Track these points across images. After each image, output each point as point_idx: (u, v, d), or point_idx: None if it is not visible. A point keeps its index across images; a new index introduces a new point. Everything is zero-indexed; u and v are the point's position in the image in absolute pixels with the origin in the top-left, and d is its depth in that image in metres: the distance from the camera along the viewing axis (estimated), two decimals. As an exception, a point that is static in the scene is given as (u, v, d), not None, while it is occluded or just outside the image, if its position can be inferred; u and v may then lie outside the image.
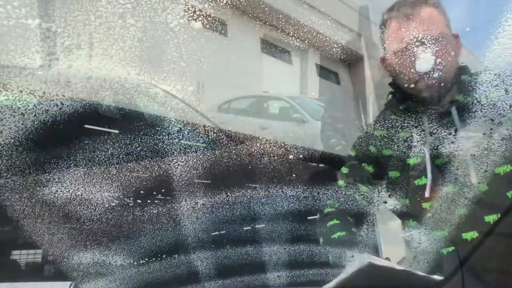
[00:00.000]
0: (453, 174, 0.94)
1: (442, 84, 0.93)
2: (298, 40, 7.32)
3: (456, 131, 0.92)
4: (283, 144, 5.95)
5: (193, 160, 5.32)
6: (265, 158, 5.74)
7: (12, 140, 3.47)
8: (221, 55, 5.65)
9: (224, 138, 5.29)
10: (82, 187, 4.35)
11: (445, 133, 0.94)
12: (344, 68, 8.50)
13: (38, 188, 4.07)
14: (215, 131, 4.96)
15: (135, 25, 3.32)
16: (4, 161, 3.58)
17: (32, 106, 3.23)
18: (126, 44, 3.32)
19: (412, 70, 0.94)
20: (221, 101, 5.19)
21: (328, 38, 7.56)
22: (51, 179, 4.07)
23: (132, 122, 4.22)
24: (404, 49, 0.93)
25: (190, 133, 4.63)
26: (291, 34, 7.20)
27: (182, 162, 5.11)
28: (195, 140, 5.08)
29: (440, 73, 0.91)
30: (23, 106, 3.14)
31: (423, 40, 0.86)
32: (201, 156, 5.43)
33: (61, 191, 4.28)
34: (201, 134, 4.94)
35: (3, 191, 3.80)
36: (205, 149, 5.58)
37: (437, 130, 0.96)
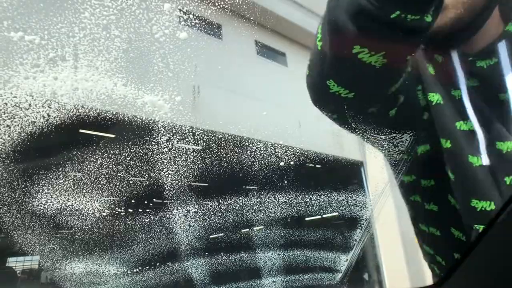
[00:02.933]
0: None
1: (469, 10, 0.61)
2: (293, 42, 7.27)
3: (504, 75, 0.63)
4: (277, 146, 5.90)
5: (188, 165, 5.27)
6: (260, 161, 5.71)
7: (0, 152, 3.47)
8: (216, 58, 5.60)
9: (219, 141, 5.27)
10: (72, 196, 4.34)
11: (488, 82, 0.64)
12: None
13: (31, 198, 4.07)
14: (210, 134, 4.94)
15: (120, 37, 3.28)
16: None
17: (18, 118, 3.22)
18: (112, 55, 3.27)
19: None
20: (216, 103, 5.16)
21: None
22: (40, 190, 4.07)
23: (120, 131, 4.20)
24: None
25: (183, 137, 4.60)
26: (287, 36, 7.14)
27: (177, 167, 5.08)
28: (190, 144, 5.05)
29: None
30: (9, 119, 3.14)
31: None
32: (196, 160, 5.40)
33: (53, 200, 4.27)
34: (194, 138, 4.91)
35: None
36: (200, 153, 5.55)
37: (476, 78, 0.66)
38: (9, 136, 3.20)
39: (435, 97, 0.70)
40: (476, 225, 0.65)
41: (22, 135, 3.26)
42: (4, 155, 3.38)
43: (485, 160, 0.64)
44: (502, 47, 0.64)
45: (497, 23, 0.67)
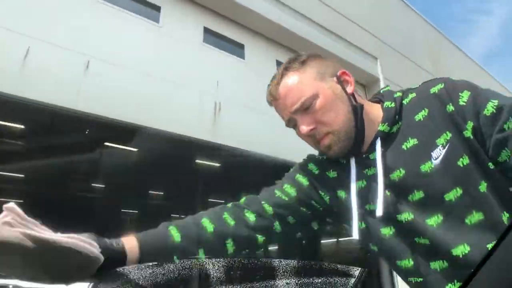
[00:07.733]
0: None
1: (343, 130, 0.87)
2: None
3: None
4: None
5: (207, 180, 5.26)
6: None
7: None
8: (238, 76, 5.68)
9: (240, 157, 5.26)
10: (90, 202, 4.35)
11: (370, 171, 0.89)
12: (360, 89, 8.40)
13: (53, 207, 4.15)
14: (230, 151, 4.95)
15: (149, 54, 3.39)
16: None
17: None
18: (143, 69, 3.37)
19: (307, 139, 0.93)
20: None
21: (344, 61, 7.55)
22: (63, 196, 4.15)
23: (143, 143, 4.27)
24: (288, 124, 0.95)
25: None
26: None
27: (196, 181, 5.06)
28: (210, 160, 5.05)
29: (330, 124, 0.87)
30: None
31: (292, 110, 0.89)
32: (214, 175, 5.39)
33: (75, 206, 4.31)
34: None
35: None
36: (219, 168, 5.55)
37: (363, 171, 0.91)
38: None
39: (342, 193, 0.95)
40: (409, 278, 0.85)
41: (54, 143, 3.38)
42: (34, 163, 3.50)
43: (394, 229, 0.86)
44: (378, 143, 0.89)
45: (371, 127, 0.90)
